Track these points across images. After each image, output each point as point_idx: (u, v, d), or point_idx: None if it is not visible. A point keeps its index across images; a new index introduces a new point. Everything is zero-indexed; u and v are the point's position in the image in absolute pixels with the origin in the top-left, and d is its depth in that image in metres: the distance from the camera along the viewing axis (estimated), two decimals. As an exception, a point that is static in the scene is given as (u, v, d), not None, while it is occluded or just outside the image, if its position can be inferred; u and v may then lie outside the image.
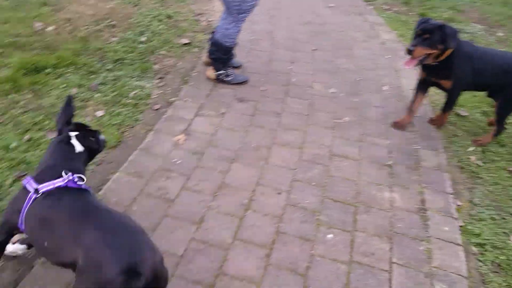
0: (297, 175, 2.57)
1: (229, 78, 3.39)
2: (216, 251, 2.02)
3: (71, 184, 1.55)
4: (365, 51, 4.29)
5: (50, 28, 3.86)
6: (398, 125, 3.13)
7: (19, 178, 2.28)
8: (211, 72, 3.40)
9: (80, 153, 1.72)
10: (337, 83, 3.64)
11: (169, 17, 4.44)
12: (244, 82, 3.45)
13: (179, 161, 2.55)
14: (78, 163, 1.70)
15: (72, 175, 1.57)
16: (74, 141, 1.72)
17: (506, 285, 2.08)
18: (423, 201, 2.49)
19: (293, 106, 3.25)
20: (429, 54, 2.80)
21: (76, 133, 1.74)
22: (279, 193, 2.42)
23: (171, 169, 2.49)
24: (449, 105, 3.09)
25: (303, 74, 3.72)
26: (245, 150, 2.72)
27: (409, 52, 2.79)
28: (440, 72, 2.92)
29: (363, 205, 2.41)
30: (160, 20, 4.32)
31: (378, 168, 2.71)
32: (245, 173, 2.52)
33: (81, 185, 1.59)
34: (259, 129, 2.95)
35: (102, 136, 1.89)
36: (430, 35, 2.74)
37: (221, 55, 3.26)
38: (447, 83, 2.95)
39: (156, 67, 3.56)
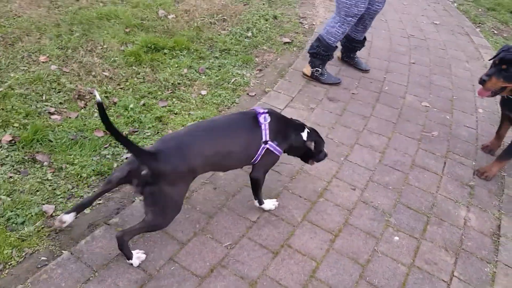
0: (374, 176, 2.66)
1: (323, 77, 3.55)
2: (285, 225, 2.21)
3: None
4: (464, 71, 4.17)
5: (171, 16, 4.35)
6: (487, 149, 3.04)
7: (131, 133, 2.70)
8: (307, 68, 3.59)
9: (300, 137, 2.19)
10: (430, 98, 3.62)
11: (275, 17, 4.72)
12: (336, 83, 3.58)
13: (265, 143, 2.78)
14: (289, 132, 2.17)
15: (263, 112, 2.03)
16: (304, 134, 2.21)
17: None
18: (499, 227, 2.43)
19: (381, 112, 3.31)
20: (505, 87, 2.57)
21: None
22: (354, 189, 2.53)
23: (257, 149, 2.73)
24: (508, 152, 2.75)
25: (396, 84, 3.75)
26: (328, 144, 2.83)
27: (482, 82, 2.58)
28: None
29: (436, 217, 2.43)
30: (266, 20, 4.62)
31: (459, 186, 2.69)
32: (324, 165, 2.67)
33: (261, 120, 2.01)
34: (344, 128, 3.08)
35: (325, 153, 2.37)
36: (508, 67, 2.49)
37: (321, 51, 3.42)
38: None
39: (257, 60, 3.85)
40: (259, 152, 2.02)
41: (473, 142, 3.13)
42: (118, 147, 2.58)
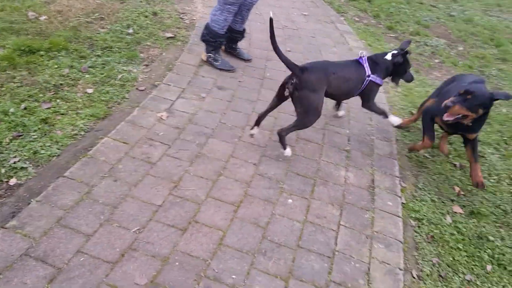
0: (266, 152, 2.92)
1: (217, 63, 3.80)
2: (190, 204, 2.34)
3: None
4: (333, 55, 4.71)
5: (42, 18, 4.10)
6: None
7: (16, 138, 2.55)
8: (203, 54, 3.84)
9: (386, 60, 3.00)
10: (306, 80, 4.02)
11: (154, 13, 4.75)
12: (230, 70, 3.83)
13: (162, 133, 2.86)
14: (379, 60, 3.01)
15: (363, 57, 2.95)
16: (388, 55, 3.01)
17: (436, 253, 2.46)
18: (373, 181, 2.87)
19: (266, 96, 3.58)
20: (467, 116, 2.72)
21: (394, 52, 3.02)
22: (254, 164, 2.75)
23: (154, 139, 2.79)
24: (477, 152, 2.99)
25: (276, 70, 4.08)
26: (222, 128, 3.05)
27: (446, 108, 2.70)
28: (469, 128, 2.88)
29: (321, 179, 2.77)
30: (146, 16, 4.62)
31: (337, 152, 3.09)
32: (220, 147, 2.85)
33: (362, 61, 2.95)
34: (235, 112, 3.29)
35: (411, 73, 3.18)
36: (472, 97, 2.64)
37: (209, 38, 3.67)
38: (472, 136, 2.95)
39: (142, 55, 3.86)
40: (364, 83, 2.92)
41: (345, 114, 3.59)
42: (2, 153, 2.43)
